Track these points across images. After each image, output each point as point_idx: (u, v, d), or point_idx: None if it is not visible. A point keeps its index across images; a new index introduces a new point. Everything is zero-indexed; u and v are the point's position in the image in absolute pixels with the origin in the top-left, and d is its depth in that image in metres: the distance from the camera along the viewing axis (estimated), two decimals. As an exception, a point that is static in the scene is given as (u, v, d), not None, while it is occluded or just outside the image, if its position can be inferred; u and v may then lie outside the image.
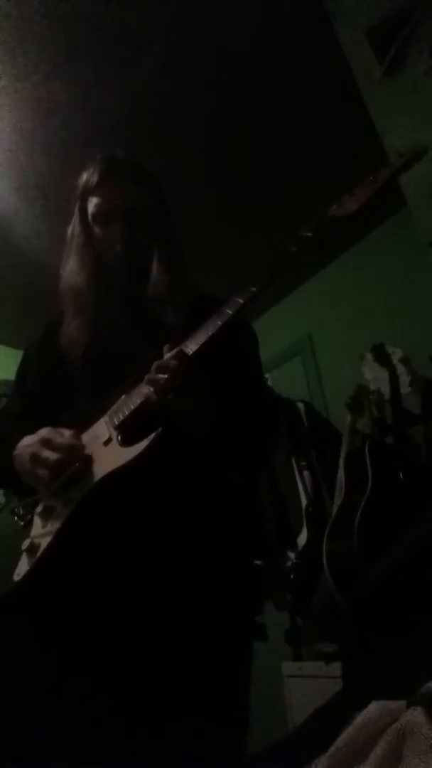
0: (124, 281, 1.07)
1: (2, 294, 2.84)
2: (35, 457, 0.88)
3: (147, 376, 0.84)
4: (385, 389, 2.18)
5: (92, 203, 1.07)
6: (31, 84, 1.92)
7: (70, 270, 1.10)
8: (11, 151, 2.15)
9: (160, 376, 0.82)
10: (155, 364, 0.83)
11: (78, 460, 0.88)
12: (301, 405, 2.71)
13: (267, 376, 3.12)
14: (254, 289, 0.87)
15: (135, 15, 1.76)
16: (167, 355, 0.84)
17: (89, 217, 1.08)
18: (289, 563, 2.33)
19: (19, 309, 2.77)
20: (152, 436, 0.82)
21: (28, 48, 1.81)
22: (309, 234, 0.87)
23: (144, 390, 0.86)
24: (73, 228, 1.12)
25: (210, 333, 0.84)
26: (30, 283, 2.58)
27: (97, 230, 1.07)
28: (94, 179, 1.07)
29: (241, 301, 0.86)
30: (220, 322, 0.84)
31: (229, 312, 0.85)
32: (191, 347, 0.85)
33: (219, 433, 0.90)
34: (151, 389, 0.84)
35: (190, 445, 0.92)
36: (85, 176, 1.09)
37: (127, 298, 1.06)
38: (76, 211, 1.11)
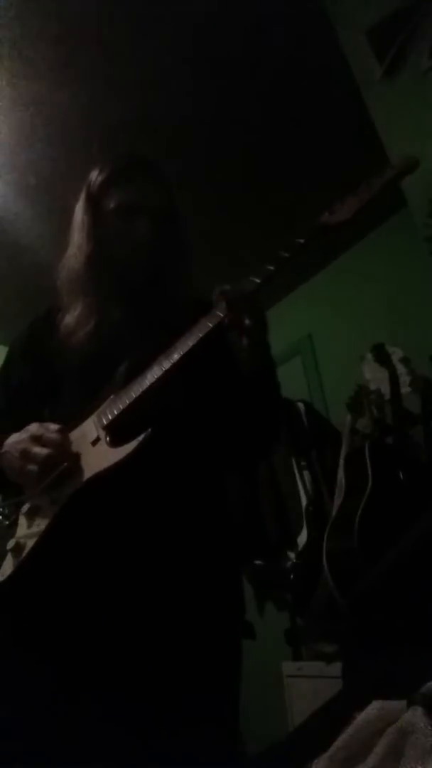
0: (136, 278, 1.06)
1: (2, 294, 2.84)
2: (25, 453, 0.87)
3: (225, 301, 0.89)
4: (385, 389, 2.18)
5: (116, 196, 1.06)
6: (31, 84, 1.92)
7: (73, 261, 1.09)
8: (11, 151, 2.15)
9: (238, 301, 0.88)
10: (229, 292, 0.89)
11: (67, 456, 0.88)
12: (301, 405, 2.71)
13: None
14: (258, 280, 0.90)
15: (135, 16, 1.76)
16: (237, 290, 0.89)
17: (107, 211, 1.06)
18: (289, 563, 2.33)
19: (19, 309, 2.77)
20: (141, 437, 0.81)
21: (28, 48, 1.81)
22: (302, 241, 0.89)
23: (217, 313, 0.89)
24: (79, 220, 1.10)
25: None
26: (30, 283, 2.58)
27: (115, 224, 1.06)
28: (121, 173, 1.07)
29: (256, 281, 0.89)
30: (259, 280, 0.89)
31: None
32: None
33: (267, 378, 0.99)
34: (228, 312, 0.88)
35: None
36: (105, 169, 1.09)
37: (132, 296, 1.05)
38: (84, 203, 1.09)
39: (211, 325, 0.88)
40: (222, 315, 0.88)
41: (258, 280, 0.89)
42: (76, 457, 0.89)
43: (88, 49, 1.84)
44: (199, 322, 0.90)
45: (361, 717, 0.57)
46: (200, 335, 0.87)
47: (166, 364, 0.87)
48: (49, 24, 1.75)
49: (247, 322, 0.90)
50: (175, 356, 0.87)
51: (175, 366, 0.87)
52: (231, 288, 0.91)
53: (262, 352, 0.97)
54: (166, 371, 0.87)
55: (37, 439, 0.88)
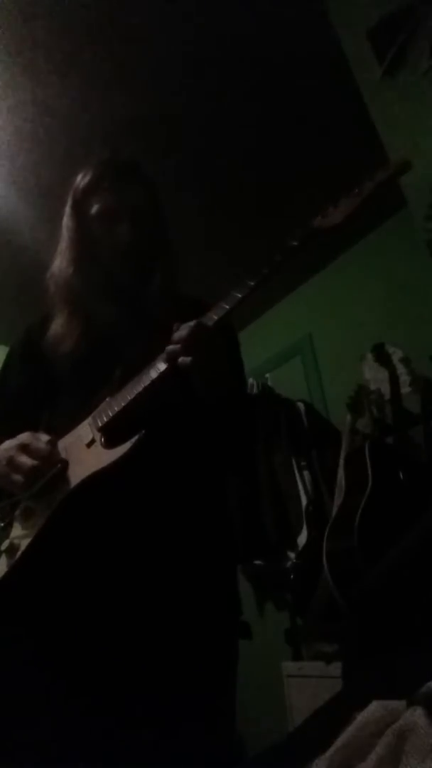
0: (123, 281, 1.06)
1: (2, 294, 2.84)
2: (11, 462, 0.88)
3: (173, 341, 0.86)
4: (385, 389, 2.18)
5: (97, 202, 1.06)
6: (31, 84, 1.92)
7: (60, 266, 1.10)
8: (11, 152, 2.15)
9: (182, 338, 0.85)
10: (177, 327, 0.86)
11: (53, 466, 0.88)
12: (301, 405, 2.71)
13: (267, 376, 3.13)
14: (253, 283, 0.88)
15: (135, 16, 1.76)
16: (187, 324, 0.87)
17: (90, 216, 1.07)
18: (289, 563, 2.33)
19: (19, 309, 2.77)
20: (135, 438, 0.82)
21: (29, 48, 1.81)
22: (295, 243, 0.89)
23: (164, 354, 0.87)
24: (66, 225, 1.11)
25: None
26: (30, 283, 2.57)
27: (98, 229, 1.07)
28: (100, 178, 1.07)
29: (239, 296, 0.88)
30: (228, 306, 0.88)
31: (239, 295, 0.88)
32: (209, 320, 0.88)
33: (231, 404, 0.96)
34: (172, 352, 0.86)
35: (178, 440, 0.95)
36: (87, 174, 1.09)
37: (121, 298, 1.06)
38: (70, 209, 1.10)
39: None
40: (166, 365, 0.87)
41: (239, 295, 0.88)
42: (67, 463, 0.89)
43: (88, 51, 1.84)
44: (152, 363, 0.89)
45: (361, 717, 0.57)
46: (149, 382, 0.87)
47: (154, 373, 0.88)
48: (50, 25, 1.75)
49: (198, 363, 0.86)
50: (135, 391, 0.88)
51: (145, 390, 0.87)
52: (183, 331, 0.86)
53: (216, 388, 0.93)
54: (146, 387, 0.87)
55: (24, 448, 0.89)
